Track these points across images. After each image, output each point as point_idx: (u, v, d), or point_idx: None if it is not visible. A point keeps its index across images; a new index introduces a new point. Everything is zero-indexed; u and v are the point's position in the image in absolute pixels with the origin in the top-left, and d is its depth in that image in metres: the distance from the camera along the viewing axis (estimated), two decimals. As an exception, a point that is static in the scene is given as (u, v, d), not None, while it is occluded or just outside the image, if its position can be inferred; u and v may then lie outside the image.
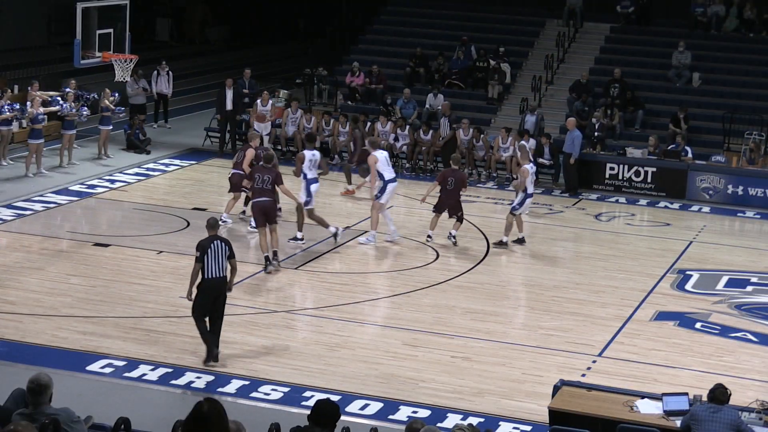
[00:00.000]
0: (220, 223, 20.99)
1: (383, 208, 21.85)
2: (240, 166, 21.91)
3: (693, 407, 12.00)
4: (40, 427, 8.59)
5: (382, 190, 21.66)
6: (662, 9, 35.26)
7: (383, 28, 36.61)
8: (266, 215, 19.79)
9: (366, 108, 30.94)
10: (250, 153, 21.79)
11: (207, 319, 15.29)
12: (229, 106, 29.65)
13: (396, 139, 28.82)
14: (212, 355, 15.29)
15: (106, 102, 28.11)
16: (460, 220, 22.01)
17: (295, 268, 20.18)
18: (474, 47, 33.18)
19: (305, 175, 21.17)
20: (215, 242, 15.22)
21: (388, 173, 21.84)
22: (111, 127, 28.23)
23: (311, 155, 21.30)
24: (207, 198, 24.74)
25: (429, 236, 21.93)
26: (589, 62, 33.24)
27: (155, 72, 31.86)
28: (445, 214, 22.01)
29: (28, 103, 26.34)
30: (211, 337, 15.31)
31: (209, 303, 15.21)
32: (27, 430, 8.07)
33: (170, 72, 32.01)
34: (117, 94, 29.16)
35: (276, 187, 19.91)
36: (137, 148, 29.11)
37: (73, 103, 27.00)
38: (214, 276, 15.12)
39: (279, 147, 29.38)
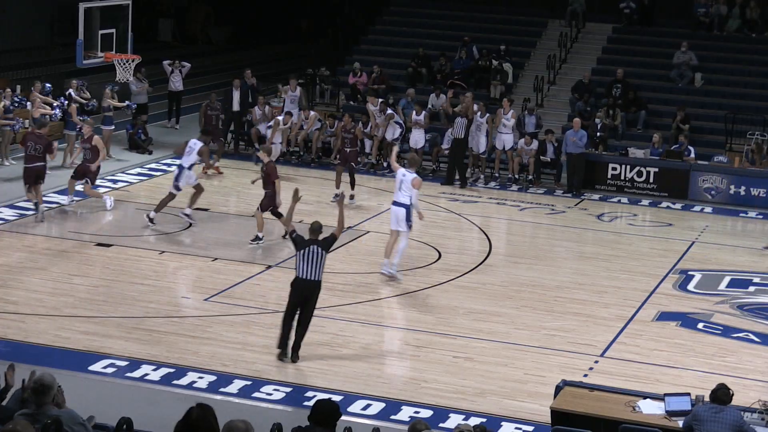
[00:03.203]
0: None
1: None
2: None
3: (695, 407, 12.00)
4: (42, 428, 8.59)
5: None
6: (664, 9, 35.24)
7: (385, 28, 36.60)
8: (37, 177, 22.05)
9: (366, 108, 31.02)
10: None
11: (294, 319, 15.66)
12: (235, 107, 29.67)
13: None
14: (285, 352, 15.64)
15: (108, 102, 28.08)
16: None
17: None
18: (476, 47, 33.17)
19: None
20: (312, 247, 15.40)
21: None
22: (113, 127, 28.23)
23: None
24: (209, 198, 24.71)
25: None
26: (591, 62, 33.24)
27: (168, 69, 31.92)
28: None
29: (29, 104, 26.31)
30: (296, 335, 15.63)
31: (297, 302, 15.51)
32: (26, 429, 8.07)
33: (182, 69, 31.99)
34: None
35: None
36: (140, 148, 29.13)
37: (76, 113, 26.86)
38: (304, 277, 15.41)
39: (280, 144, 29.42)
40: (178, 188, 22.31)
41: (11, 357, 15.22)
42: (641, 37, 34.15)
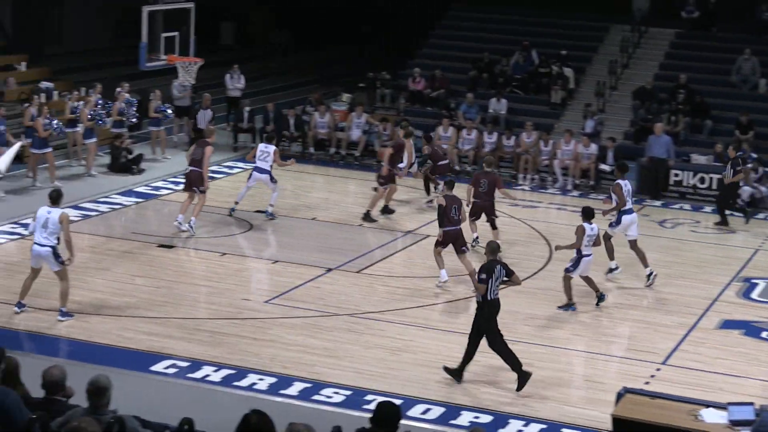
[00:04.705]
0: (185, 227, 21.16)
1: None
2: (199, 164, 21.88)
3: (763, 415, 11.82)
4: (106, 428, 8.64)
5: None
6: (728, 14, 34.76)
7: (445, 32, 36.50)
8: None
9: (427, 112, 31.00)
10: (209, 150, 21.91)
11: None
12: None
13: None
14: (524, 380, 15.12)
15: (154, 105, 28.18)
16: (493, 224, 21.71)
17: (357, 272, 20.21)
18: (536, 52, 33.01)
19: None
20: (498, 266, 15.25)
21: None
22: (163, 128, 28.46)
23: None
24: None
25: (475, 240, 21.57)
26: (653, 68, 32.97)
27: (227, 75, 31.96)
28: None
29: (81, 103, 26.33)
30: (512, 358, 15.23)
31: (493, 322, 15.29)
32: (91, 426, 8.13)
33: (242, 75, 32.04)
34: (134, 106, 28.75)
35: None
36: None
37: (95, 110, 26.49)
38: (496, 297, 15.30)
39: (339, 150, 29.45)
40: None
41: (75, 356, 15.43)
42: (704, 43, 33.79)
